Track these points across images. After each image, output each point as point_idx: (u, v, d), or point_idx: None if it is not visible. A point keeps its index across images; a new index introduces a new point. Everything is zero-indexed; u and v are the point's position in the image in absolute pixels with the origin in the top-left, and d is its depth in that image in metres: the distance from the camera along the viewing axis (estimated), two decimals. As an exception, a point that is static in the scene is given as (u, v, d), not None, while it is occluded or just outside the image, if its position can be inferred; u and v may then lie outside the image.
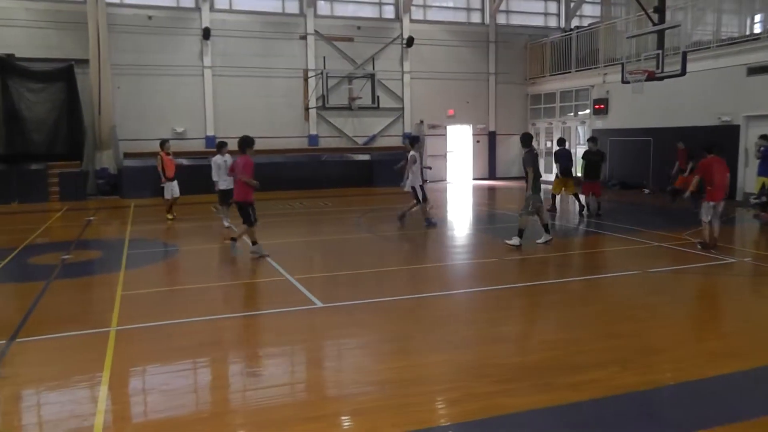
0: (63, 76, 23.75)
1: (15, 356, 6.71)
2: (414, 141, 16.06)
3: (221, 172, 14.81)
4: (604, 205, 17.26)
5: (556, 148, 17.92)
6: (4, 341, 7.03)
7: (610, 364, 6.04)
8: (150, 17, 25.07)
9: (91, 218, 18.00)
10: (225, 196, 14.96)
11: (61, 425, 5.12)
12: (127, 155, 24.48)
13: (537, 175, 12.48)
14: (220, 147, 15.22)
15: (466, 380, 5.75)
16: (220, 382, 6.08)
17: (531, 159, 12.37)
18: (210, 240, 14.34)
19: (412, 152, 15.19)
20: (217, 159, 15.07)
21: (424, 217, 15.33)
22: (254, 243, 11.58)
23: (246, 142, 11.52)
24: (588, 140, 18.25)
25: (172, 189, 17.00)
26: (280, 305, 8.41)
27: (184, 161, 24.51)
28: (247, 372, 6.31)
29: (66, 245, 13.58)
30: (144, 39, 24.87)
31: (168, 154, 17.10)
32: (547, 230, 12.61)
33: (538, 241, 12.42)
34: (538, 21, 31.80)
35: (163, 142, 16.90)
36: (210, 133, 25.87)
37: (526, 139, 12.67)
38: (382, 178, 26.09)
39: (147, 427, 5.12)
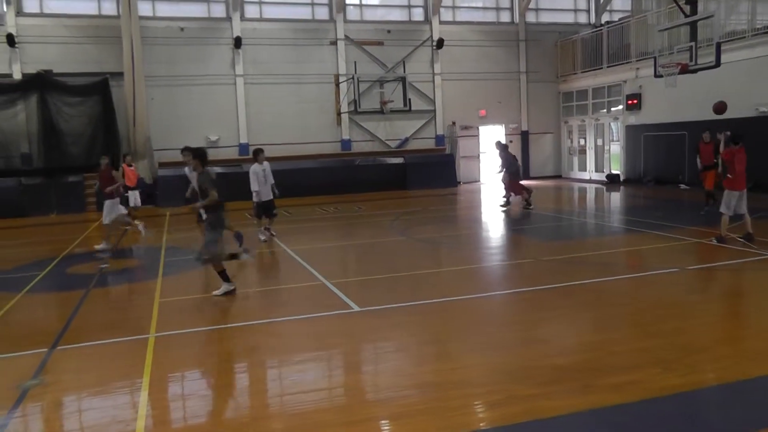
0: (98, 90, 24.25)
1: (56, 363, 6.83)
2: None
3: (260, 180, 14.07)
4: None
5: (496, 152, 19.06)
6: (45, 349, 7.17)
7: (651, 365, 5.90)
8: (182, 29, 25.44)
9: (128, 228, 18.20)
10: (266, 208, 14.41)
11: (104, 430, 5.19)
12: (161, 165, 24.83)
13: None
14: (257, 154, 14.22)
15: (506, 383, 5.67)
16: (259, 387, 6.09)
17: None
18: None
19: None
20: (255, 168, 14.07)
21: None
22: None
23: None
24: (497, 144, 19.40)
25: (135, 198, 17.76)
26: (317, 310, 8.37)
27: (218, 169, 24.79)
28: (286, 377, 6.31)
29: (104, 254, 13.78)
30: (176, 50, 25.27)
31: (130, 165, 17.88)
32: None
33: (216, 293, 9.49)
34: (568, 18, 31.42)
35: (125, 155, 17.08)
36: (243, 140, 26.14)
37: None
38: (415, 180, 26.14)
39: (189, 430, 5.18)
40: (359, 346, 7.16)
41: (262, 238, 14.49)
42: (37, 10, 24.56)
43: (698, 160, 16.88)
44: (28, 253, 14.95)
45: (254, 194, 14.19)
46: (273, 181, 14.44)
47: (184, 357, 6.83)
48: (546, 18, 30.92)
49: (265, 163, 14.26)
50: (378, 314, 8.10)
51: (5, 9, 23.74)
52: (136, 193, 18.12)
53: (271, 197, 14.23)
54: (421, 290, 9.46)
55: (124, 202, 17.29)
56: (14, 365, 6.91)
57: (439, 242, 14.06)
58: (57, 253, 13.87)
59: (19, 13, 24.11)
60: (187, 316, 8.49)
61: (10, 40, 23.44)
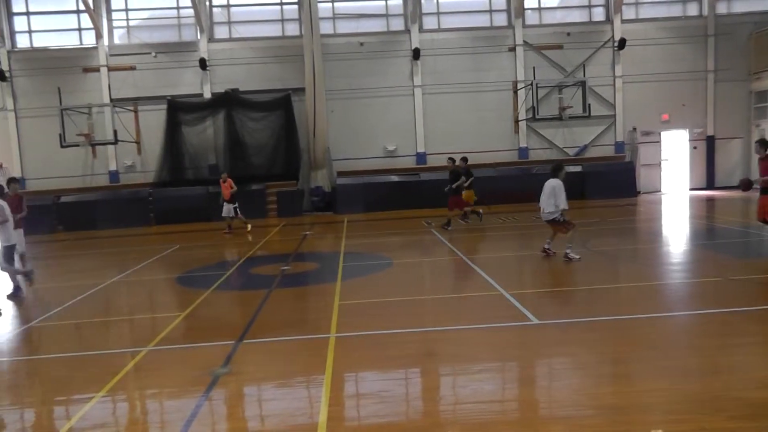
0: (281, 105, 26.16)
1: (243, 355, 7.29)
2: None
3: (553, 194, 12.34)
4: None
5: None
6: (232, 342, 7.70)
7: None
8: (361, 43, 26.36)
9: (307, 233, 19.00)
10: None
11: (289, 419, 5.48)
12: (340, 174, 25.81)
13: None
14: (557, 170, 12.52)
15: (696, 413, 5.17)
16: (433, 394, 6.05)
17: None
18: (423, 253, 14.56)
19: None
20: (552, 182, 12.47)
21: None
22: None
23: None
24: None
25: (228, 210, 20.13)
26: (494, 320, 8.19)
27: (395, 178, 25.35)
28: (462, 385, 6.19)
29: (285, 257, 14.61)
30: (356, 64, 26.28)
31: (224, 181, 20.34)
32: None
33: None
34: (766, 5, 28.19)
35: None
36: (420, 149, 26.56)
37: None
38: (593, 190, 25.01)
39: (368, 429, 5.24)
40: (537, 359, 6.90)
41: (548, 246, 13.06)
42: (226, 36, 27.05)
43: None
44: (213, 254, 16.30)
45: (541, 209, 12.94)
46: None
47: (363, 358, 6.97)
48: (739, 8, 28.09)
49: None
50: (557, 328, 7.74)
51: (198, 37, 26.36)
52: (230, 206, 20.15)
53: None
54: (600, 305, 8.97)
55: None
56: (205, 354, 7.49)
57: (617, 256, 13.20)
58: (240, 255, 14.73)
59: (211, 39, 26.74)
60: (365, 319, 8.64)
61: (202, 63, 26.23)
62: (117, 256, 17.31)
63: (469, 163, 18.42)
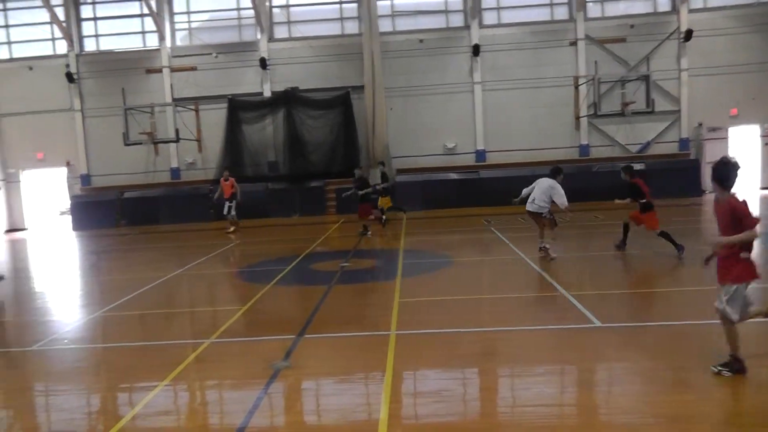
0: (340, 103, 26.32)
1: (303, 350, 7.28)
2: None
3: None
4: None
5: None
6: (293, 336, 7.70)
7: None
8: (421, 40, 26.26)
9: (367, 230, 18.90)
10: None
11: (349, 415, 5.47)
12: (399, 171, 25.70)
13: None
14: (556, 173, 12.99)
15: (762, 426, 4.90)
16: (492, 395, 5.93)
17: None
18: (483, 252, 14.43)
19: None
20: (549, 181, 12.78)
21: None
22: None
23: None
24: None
25: (229, 208, 20.37)
26: (556, 321, 7.99)
27: (454, 175, 25.20)
28: (521, 387, 6.04)
29: (344, 254, 14.57)
30: (415, 61, 26.19)
31: (226, 180, 20.41)
32: None
33: None
34: None
35: (225, 170, 17.54)
36: (480, 147, 26.26)
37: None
38: (656, 188, 23.97)
39: (428, 428, 5.17)
40: (599, 364, 6.64)
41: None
42: (286, 35, 27.37)
43: None
44: (273, 249, 16.45)
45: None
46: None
47: (423, 356, 6.85)
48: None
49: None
50: (619, 332, 7.47)
51: (259, 37, 26.71)
52: (232, 204, 20.47)
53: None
54: (662, 309, 8.69)
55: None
56: (265, 347, 7.52)
57: (681, 257, 12.73)
58: (300, 251, 14.83)
59: (271, 39, 27.11)
60: (425, 317, 8.53)
61: (263, 63, 26.64)
62: (178, 250, 17.67)
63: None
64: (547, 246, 12.48)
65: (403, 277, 11.28)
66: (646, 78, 24.10)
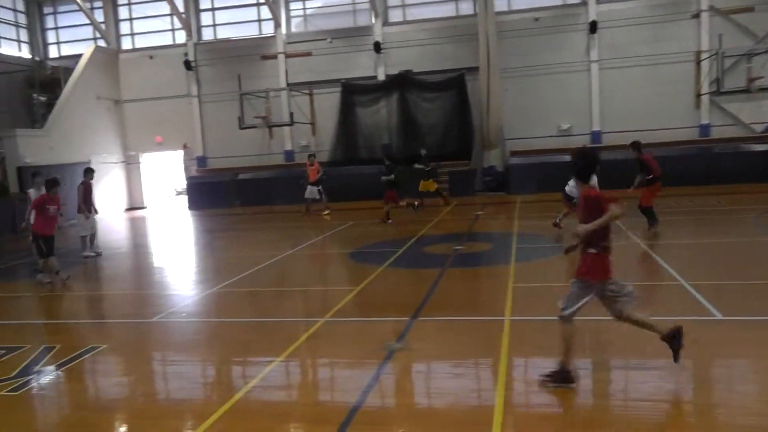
0: (454, 84, 25.89)
1: (417, 332, 7.18)
2: None
3: None
4: None
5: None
6: (407, 318, 7.59)
7: None
8: (536, 19, 25.41)
9: (480, 213, 18.62)
10: None
11: (463, 400, 5.36)
12: (513, 153, 25.17)
13: None
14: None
15: None
16: (605, 387, 5.66)
17: None
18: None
19: None
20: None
21: None
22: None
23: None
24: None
25: (312, 192, 20.78)
26: (674, 312, 7.36)
27: (569, 158, 24.07)
28: (634, 380, 5.68)
29: (457, 237, 14.38)
30: (530, 41, 25.36)
31: (311, 165, 20.77)
32: None
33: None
34: None
35: (310, 155, 18.11)
36: (596, 128, 25.20)
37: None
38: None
39: (542, 417, 5.01)
40: (719, 359, 6.17)
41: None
42: (400, 19, 27.29)
43: None
44: (386, 231, 16.36)
45: None
46: None
47: (538, 343, 6.59)
48: None
49: None
50: (743, 326, 6.91)
51: (373, 21, 26.76)
52: (313, 188, 20.79)
53: None
54: None
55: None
56: (380, 328, 7.51)
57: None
58: (413, 234, 14.68)
59: (385, 23, 27.05)
60: (540, 303, 8.20)
61: (377, 47, 26.61)
62: (292, 231, 17.97)
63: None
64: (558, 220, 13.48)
65: (517, 262, 10.92)
66: (775, 50, 22.14)
